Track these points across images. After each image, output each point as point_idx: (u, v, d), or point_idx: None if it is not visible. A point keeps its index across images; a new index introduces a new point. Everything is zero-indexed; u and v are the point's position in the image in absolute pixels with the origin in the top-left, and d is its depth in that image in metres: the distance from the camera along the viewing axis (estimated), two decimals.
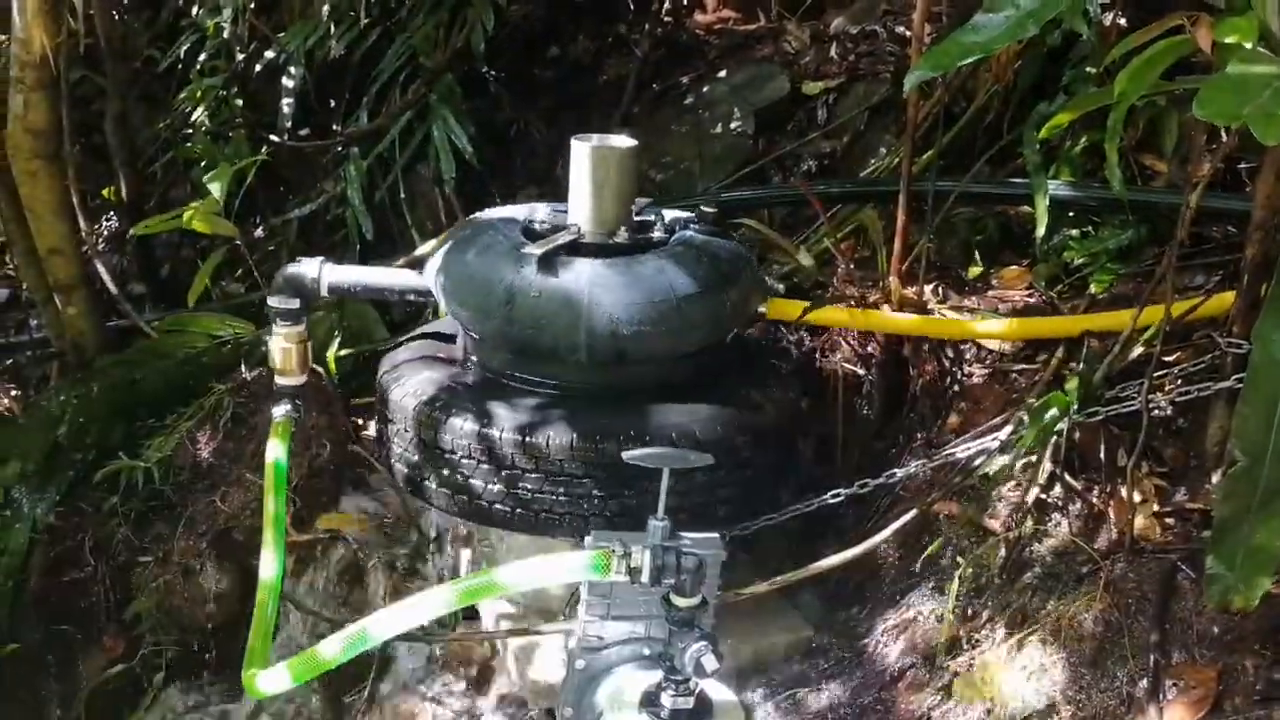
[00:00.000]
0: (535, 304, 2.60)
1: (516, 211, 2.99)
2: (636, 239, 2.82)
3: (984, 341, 3.10)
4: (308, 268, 2.96)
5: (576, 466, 2.56)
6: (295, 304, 2.99)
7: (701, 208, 2.95)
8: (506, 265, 2.67)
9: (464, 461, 2.63)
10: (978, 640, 2.51)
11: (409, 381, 2.79)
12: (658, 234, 2.88)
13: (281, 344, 3.02)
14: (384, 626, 2.20)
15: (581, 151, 2.74)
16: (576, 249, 2.74)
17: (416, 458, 2.73)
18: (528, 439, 2.56)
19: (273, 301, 2.99)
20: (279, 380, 3.07)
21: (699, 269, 2.71)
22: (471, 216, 3.05)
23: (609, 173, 2.75)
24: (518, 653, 2.84)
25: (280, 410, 3.03)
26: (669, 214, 2.97)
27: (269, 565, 2.67)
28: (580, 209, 2.79)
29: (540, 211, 2.95)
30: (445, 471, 2.68)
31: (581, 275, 2.63)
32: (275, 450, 2.92)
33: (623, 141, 2.79)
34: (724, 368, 2.88)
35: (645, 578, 2.07)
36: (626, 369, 2.69)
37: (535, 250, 2.65)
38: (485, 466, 2.61)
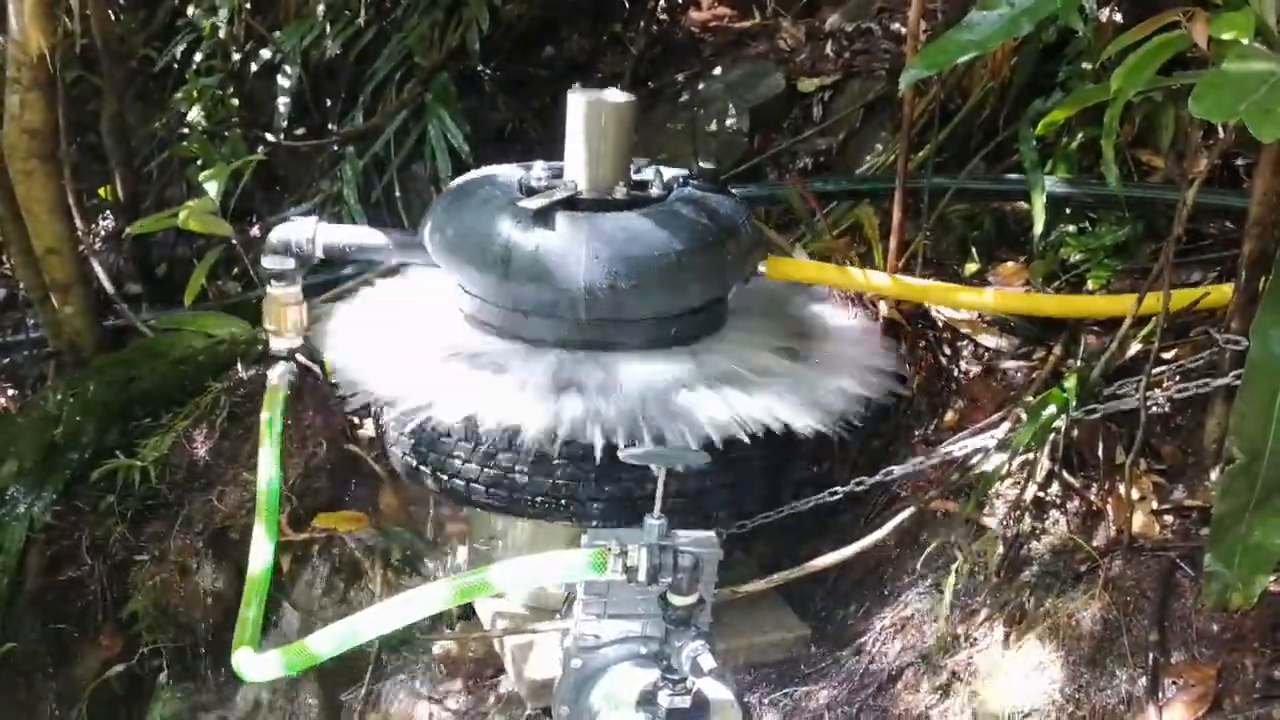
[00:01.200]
0: (533, 258, 2.56)
1: (512, 170, 2.94)
2: (634, 195, 2.77)
3: (981, 338, 3.10)
4: (302, 227, 2.92)
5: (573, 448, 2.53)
6: (290, 264, 2.96)
7: (700, 164, 2.91)
8: (503, 220, 2.62)
9: (459, 444, 2.61)
10: (975, 639, 2.50)
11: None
12: (656, 191, 2.83)
13: (277, 304, 3.00)
14: (377, 623, 2.20)
15: (578, 106, 2.69)
16: (574, 204, 2.69)
17: (412, 441, 2.71)
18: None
19: (267, 262, 2.96)
20: (274, 342, 3.05)
21: (698, 224, 2.67)
22: (466, 175, 3.01)
23: (606, 127, 2.69)
24: (515, 652, 2.83)
25: (276, 372, 3.02)
26: (667, 172, 2.93)
27: (262, 542, 2.66)
28: (577, 165, 2.74)
29: (536, 168, 2.90)
30: (441, 455, 2.65)
31: (580, 230, 2.58)
32: (271, 410, 2.91)
33: (619, 96, 2.74)
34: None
35: (642, 576, 2.07)
36: (626, 325, 2.67)
37: (532, 205, 2.60)
38: (481, 448, 2.59)
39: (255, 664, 2.37)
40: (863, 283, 3.07)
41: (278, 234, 2.95)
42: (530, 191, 2.77)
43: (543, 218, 2.60)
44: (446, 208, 2.80)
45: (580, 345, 2.67)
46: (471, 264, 2.68)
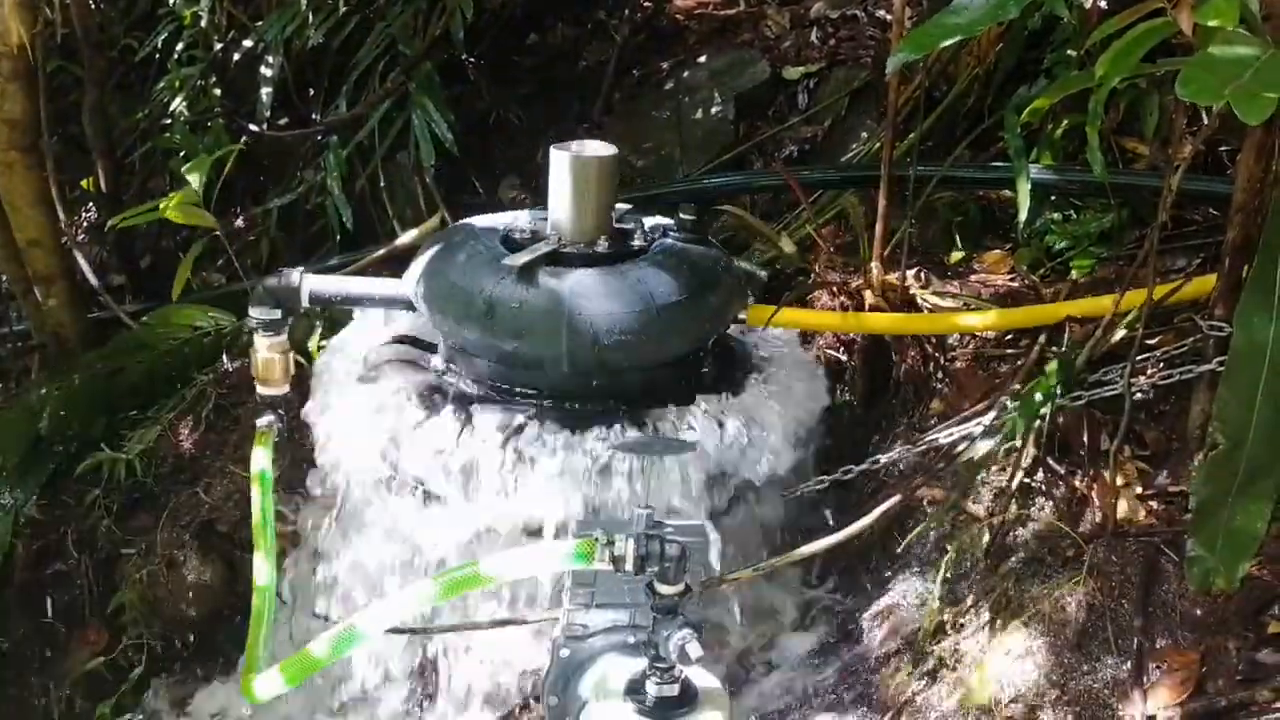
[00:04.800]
0: (516, 314, 2.62)
1: (496, 220, 2.99)
2: (617, 247, 2.83)
3: None
4: (288, 279, 2.95)
5: None
6: (276, 314, 2.97)
7: (681, 214, 2.95)
8: (486, 275, 2.68)
9: None
10: (962, 625, 2.51)
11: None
12: (638, 242, 2.89)
13: (264, 354, 3.00)
14: (373, 623, 2.20)
15: (561, 161, 2.74)
16: (557, 258, 2.75)
17: None
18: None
19: (254, 313, 2.97)
20: (261, 390, 3.05)
21: (679, 277, 2.73)
22: (452, 225, 3.05)
23: (589, 182, 2.75)
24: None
25: (264, 421, 3.02)
26: (649, 221, 2.97)
27: (262, 572, 2.66)
28: (560, 218, 2.80)
29: (520, 220, 2.95)
30: None
31: (562, 285, 2.64)
32: (260, 460, 2.90)
33: (603, 149, 2.79)
34: (705, 370, 2.91)
35: (629, 566, 2.07)
36: (608, 378, 2.70)
37: (515, 261, 2.65)
38: None
39: (260, 685, 2.37)
40: (854, 325, 3.09)
41: (265, 285, 2.96)
42: (514, 245, 2.81)
43: (526, 273, 2.65)
44: (431, 260, 2.84)
45: (563, 399, 2.74)
46: (455, 319, 2.72)
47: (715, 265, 2.86)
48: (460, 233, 2.95)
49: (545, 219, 2.87)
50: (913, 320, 3.08)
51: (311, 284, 2.96)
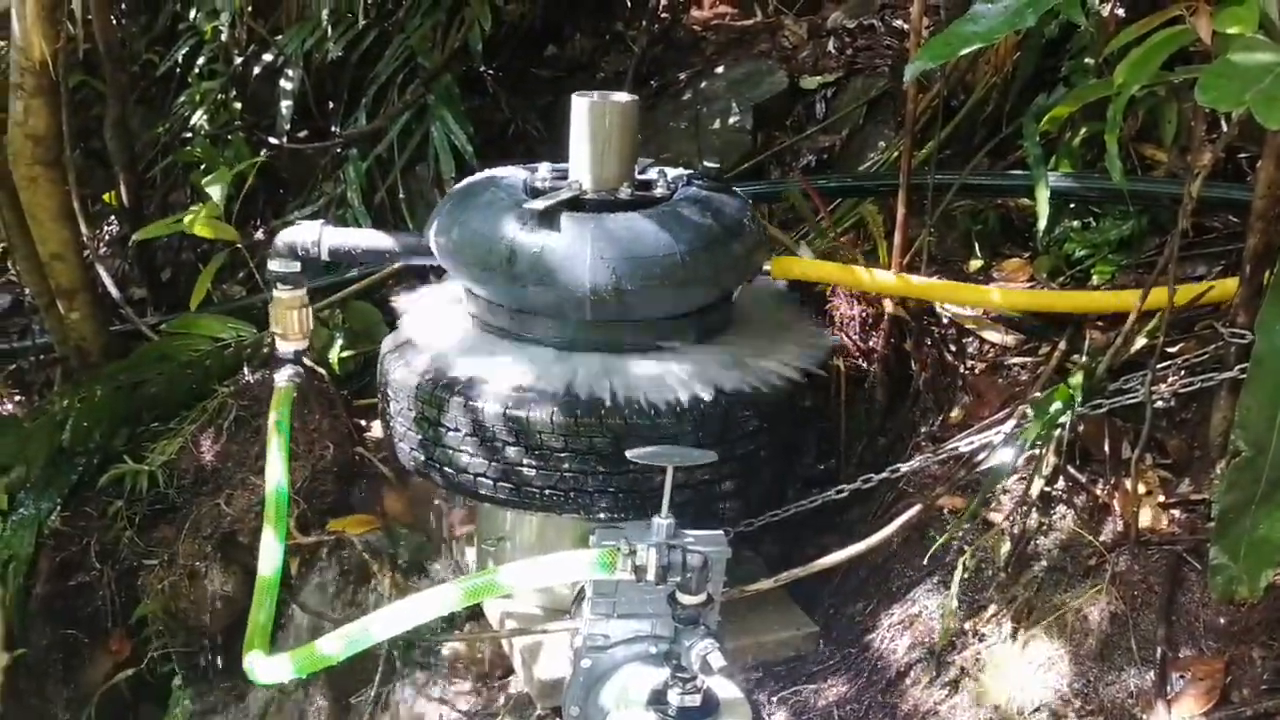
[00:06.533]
0: (537, 260, 2.56)
1: (516, 171, 2.95)
2: (639, 195, 2.78)
3: (986, 334, 3.10)
4: (307, 230, 2.95)
5: (580, 441, 2.54)
6: (295, 267, 2.98)
7: (705, 163, 2.91)
8: (508, 222, 2.62)
9: (467, 438, 2.62)
10: (983, 634, 2.51)
11: (411, 359, 2.77)
12: (660, 190, 2.84)
13: (283, 307, 3.01)
14: (386, 625, 2.21)
15: (582, 107, 2.69)
16: (579, 205, 2.69)
17: (420, 437, 2.72)
18: (530, 415, 2.55)
19: (273, 265, 2.98)
20: (280, 345, 3.07)
21: (703, 224, 2.66)
22: (471, 177, 3.02)
23: (610, 128, 2.70)
24: (524, 652, 2.83)
25: (283, 375, 3.03)
26: (671, 171, 2.93)
27: (269, 554, 2.67)
28: (581, 165, 2.74)
29: (541, 169, 2.91)
30: (450, 449, 2.66)
31: (585, 230, 2.58)
32: (278, 415, 2.93)
33: (623, 97, 2.75)
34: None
35: (651, 576, 2.08)
36: (630, 327, 2.68)
37: (537, 206, 2.60)
38: (488, 443, 2.60)
39: (266, 666, 2.38)
40: (868, 281, 3.08)
41: (283, 237, 2.97)
42: (535, 193, 2.77)
43: (548, 219, 2.59)
44: (451, 209, 2.80)
45: (585, 346, 2.67)
46: (476, 265, 2.68)
47: (741, 213, 2.80)
48: (480, 181, 2.91)
49: (566, 169, 2.82)
50: (934, 288, 3.09)
51: (330, 236, 2.96)
